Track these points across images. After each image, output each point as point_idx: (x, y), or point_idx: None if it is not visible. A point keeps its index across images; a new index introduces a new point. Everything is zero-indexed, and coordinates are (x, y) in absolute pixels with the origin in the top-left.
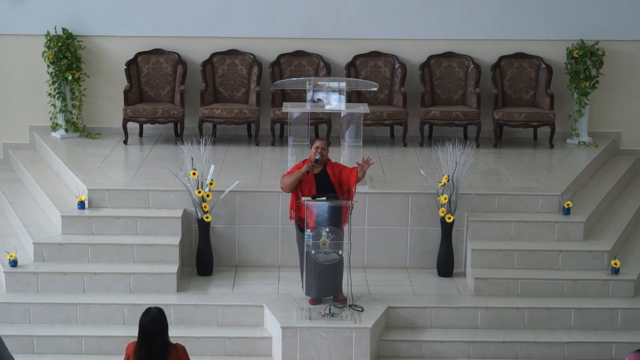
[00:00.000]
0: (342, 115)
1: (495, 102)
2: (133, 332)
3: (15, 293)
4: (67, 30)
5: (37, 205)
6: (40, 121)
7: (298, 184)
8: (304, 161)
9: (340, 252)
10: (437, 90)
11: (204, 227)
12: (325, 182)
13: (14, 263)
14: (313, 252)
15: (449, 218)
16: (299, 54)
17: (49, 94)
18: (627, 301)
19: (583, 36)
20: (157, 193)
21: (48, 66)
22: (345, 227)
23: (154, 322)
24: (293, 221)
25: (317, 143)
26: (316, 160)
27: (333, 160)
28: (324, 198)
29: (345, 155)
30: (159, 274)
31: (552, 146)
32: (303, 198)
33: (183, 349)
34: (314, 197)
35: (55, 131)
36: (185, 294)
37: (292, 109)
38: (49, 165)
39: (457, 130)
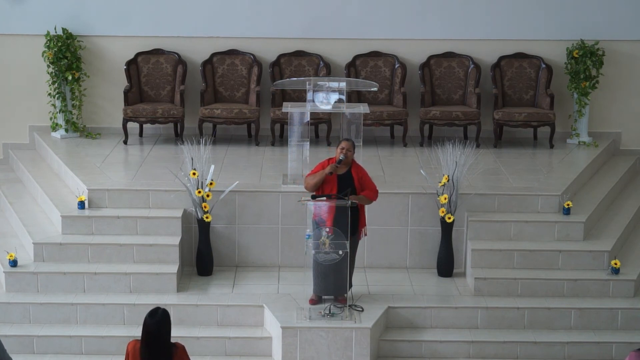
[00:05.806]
0: (348, 116)
1: (495, 102)
2: (133, 332)
3: (15, 293)
4: (67, 30)
5: (37, 205)
6: (40, 121)
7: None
8: (329, 160)
9: (340, 252)
10: (437, 90)
11: (204, 227)
12: (348, 184)
13: (14, 263)
14: (313, 252)
15: (449, 218)
16: (299, 54)
17: (49, 94)
18: (627, 301)
19: (583, 36)
20: (157, 193)
21: (48, 66)
22: (345, 228)
23: (161, 323)
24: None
25: (343, 144)
26: (339, 161)
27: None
28: (324, 198)
29: None
30: (159, 274)
31: (552, 146)
32: (303, 198)
33: (183, 348)
34: (313, 197)
35: (55, 131)
36: (185, 294)
37: (292, 109)
38: (49, 165)
39: (457, 130)
